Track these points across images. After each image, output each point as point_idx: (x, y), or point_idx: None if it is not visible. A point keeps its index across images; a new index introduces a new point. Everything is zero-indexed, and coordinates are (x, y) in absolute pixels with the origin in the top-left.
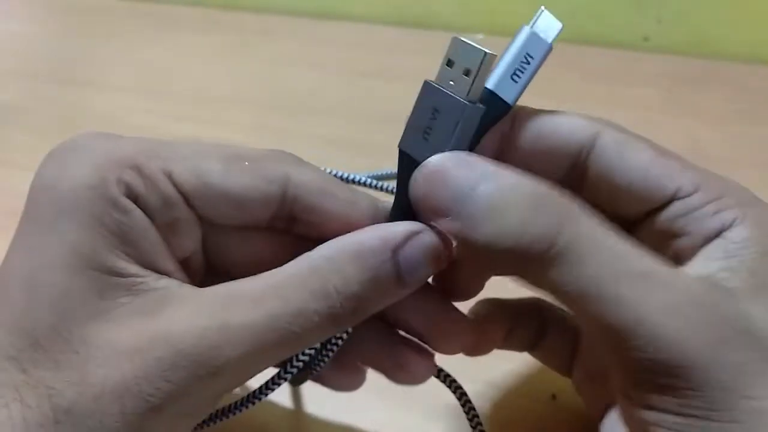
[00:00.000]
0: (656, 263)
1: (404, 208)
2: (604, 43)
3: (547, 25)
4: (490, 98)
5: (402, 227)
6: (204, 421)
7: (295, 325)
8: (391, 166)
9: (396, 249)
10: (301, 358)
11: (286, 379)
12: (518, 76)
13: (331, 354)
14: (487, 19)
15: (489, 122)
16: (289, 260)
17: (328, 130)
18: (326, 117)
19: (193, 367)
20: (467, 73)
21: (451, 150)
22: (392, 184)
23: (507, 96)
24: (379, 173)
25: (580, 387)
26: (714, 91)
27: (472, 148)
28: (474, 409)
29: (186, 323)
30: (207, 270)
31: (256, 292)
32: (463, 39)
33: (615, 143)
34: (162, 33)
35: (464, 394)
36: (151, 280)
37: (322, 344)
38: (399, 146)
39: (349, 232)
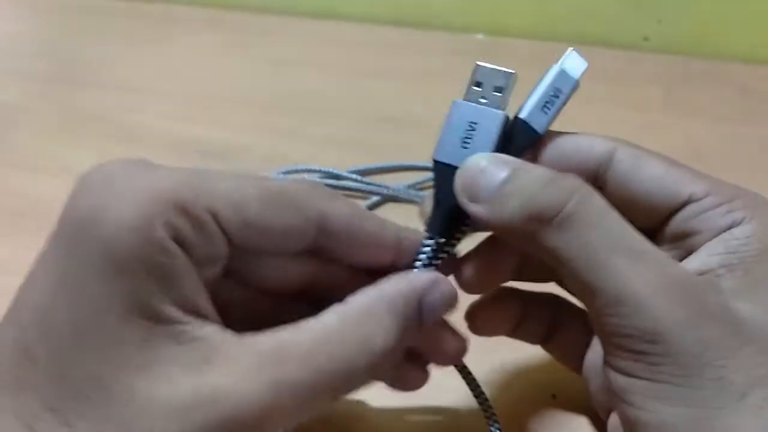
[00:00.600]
0: (654, 249)
1: (443, 217)
2: (604, 43)
3: (574, 63)
4: (523, 127)
5: (426, 277)
6: None
7: (339, 380)
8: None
9: (419, 299)
10: None
11: None
12: (548, 108)
13: None
14: (487, 19)
15: (520, 149)
16: (315, 281)
17: (328, 130)
18: (326, 117)
19: (240, 424)
20: (499, 90)
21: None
22: (378, 182)
23: (538, 125)
24: (363, 168)
25: (590, 383)
26: (714, 91)
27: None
28: (487, 399)
29: (233, 383)
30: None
31: (303, 349)
32: (487, 65)
33: (631, 157)
34: (162, 33)
35: (474, 380)
36: (195, 327)
37: None
38: (434, 158)
39: (375, 260)
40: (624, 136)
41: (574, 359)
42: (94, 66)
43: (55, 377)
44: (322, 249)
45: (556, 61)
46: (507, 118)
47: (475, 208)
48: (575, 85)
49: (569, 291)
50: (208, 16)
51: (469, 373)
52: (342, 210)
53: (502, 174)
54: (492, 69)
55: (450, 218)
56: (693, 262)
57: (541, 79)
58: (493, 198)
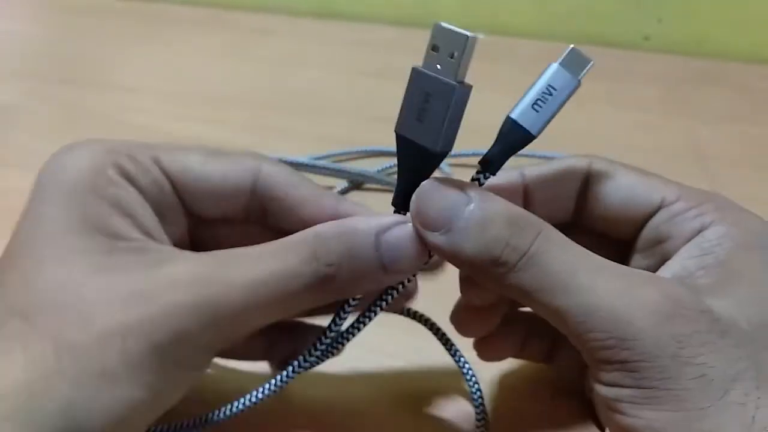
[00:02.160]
0: (611, 263)
1: (405, 190)
2: (604, 43)
3: (575, 61)
4: (513, 126)
5: (390, 218)
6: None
7: (287, 284)
8: (391, 165)
9: (379, 233)
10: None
11: (311, 363)
12: (539, 105)
13: (349, 338)
14: (488, 19)
15: (511, 150)
16: None
17: (328, 130)
18: (326, 117)
19: (196, 311)
20: (452, 56)
21: (445, 128)
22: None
23: (529, 125)
24: (320, 155)
25: (593, 398)
26: (714, 91)
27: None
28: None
29: (189, 273)
30: None
31: (255, 253)
32: (444, 25)
33: (605, 168)
34: (162, 33)
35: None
36: (153, 243)
37: (339, 333)
38: (396, 131)
39: (318, 219)
40: (624, 136)
41: (578, 375)
42: (94, 66)
43: (19, 287)
44: (266, 214)
45: (556, 60)
46: (462, 88)
47: (432, 239)
48: (576, 85)
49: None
50: (208, 16)
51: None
52: (278, 168)
53: (459, 203)
54: (448, 30)
55: (413, 190)
56: (671, 268)
57: (538, 77)
58: (449, 230)
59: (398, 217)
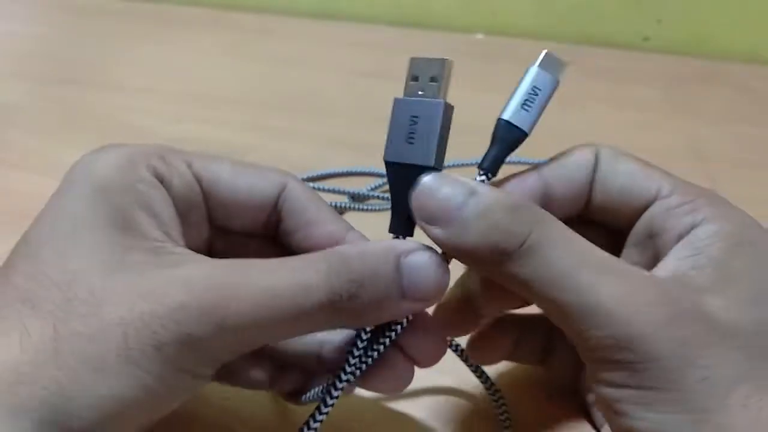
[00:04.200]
0: (614, 260)
1: (401, 216)
2: (604, 43)
3: (551, 62)
4: (507, 127)
5: (411, 243)
6: None
7: (301, 298)
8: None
9: (399, 256)
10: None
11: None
12: (528, 106)
13: (357, 373)
14: (487, 19)
15: (507, 149)
16: None
17: (328, 130)
18: (326, 117)
19: (204, 316)
20: (434, 79)
21: (437, 144)
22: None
23: (522, 124)
24: (315, 174)
25: (588, 399)
26: (714, 91)
27: (494, 167)
28: (498, 389)
29: (201, 275)
30: None
31: (270, 264)
32: (420, 57)
33: (610, 156)
34: (162, 33)
35: (484, 373)
36: (171, 245)
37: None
38: (385, 159)
39: (326, 243)
40: (624, 135)
41: (572, 377)
42: (94, 66)
43: (32, 275)
44: (280, 226)
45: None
46: (447, 105)
47: (434, 232)
48: (555, 84)
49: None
50: (208, 16)
51: (483, 373)
52: (302, 187)
53: (459, 197)
54: (425, 60)
55: (409, 217)
56: (665, 268)
57: (519, 81)
58: (450, 223)
59: (417, 243)
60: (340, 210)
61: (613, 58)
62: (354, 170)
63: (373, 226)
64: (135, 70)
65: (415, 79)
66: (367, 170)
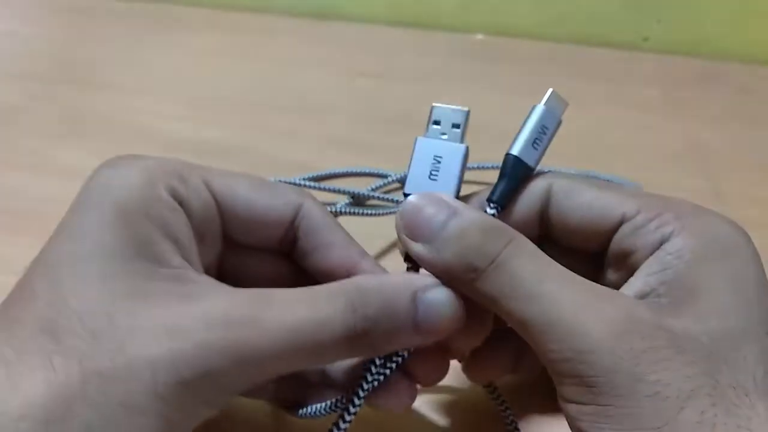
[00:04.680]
0: (578, 277)
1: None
2: (604, 43)
3: (556, 102)
4: (516, 163)
5: (427, 279)
6: None
7: (320, 333)
8: (391, 165)
9: (416, 292)
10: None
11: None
12: (538, 144)
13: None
14: (487, 19)
15: (514, 184)
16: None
17: (328, 130)
18: (326, 117)
19: (226, 352)
20: (456, 126)
21: (457, 183)
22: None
23: (530, 161)
24: (316, 174)
25: None
26: (714, 91)
27: (503, 200)
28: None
29: (223, 312)
30: None
31: (291, 297)
32: (441, 105)
33: (564, 188)
34: (162, 33)
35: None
36: (192, 273)
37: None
38: (405, 192)
39: (339, 266)
40: (624, 136)
41: None
42: (94, 66)
43: (53, 304)
44: (292, 246)
45: (556, 61)
46: (467, 149)
47: (414, 248)
48: (558, 123)
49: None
50: (208, 16)
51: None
52: (318, 208)
53: (441, 216)
54: (449, 108)
55: None
56: (634, 285)
57: (527, 118)
58: (432, 240)
59: (434, 279)
60: (339, 213)
61: (613, 58)
62: (354, 171)
63: (373, 230)
64: (135, 70)
65: (437, 123)
66: (367, 170)
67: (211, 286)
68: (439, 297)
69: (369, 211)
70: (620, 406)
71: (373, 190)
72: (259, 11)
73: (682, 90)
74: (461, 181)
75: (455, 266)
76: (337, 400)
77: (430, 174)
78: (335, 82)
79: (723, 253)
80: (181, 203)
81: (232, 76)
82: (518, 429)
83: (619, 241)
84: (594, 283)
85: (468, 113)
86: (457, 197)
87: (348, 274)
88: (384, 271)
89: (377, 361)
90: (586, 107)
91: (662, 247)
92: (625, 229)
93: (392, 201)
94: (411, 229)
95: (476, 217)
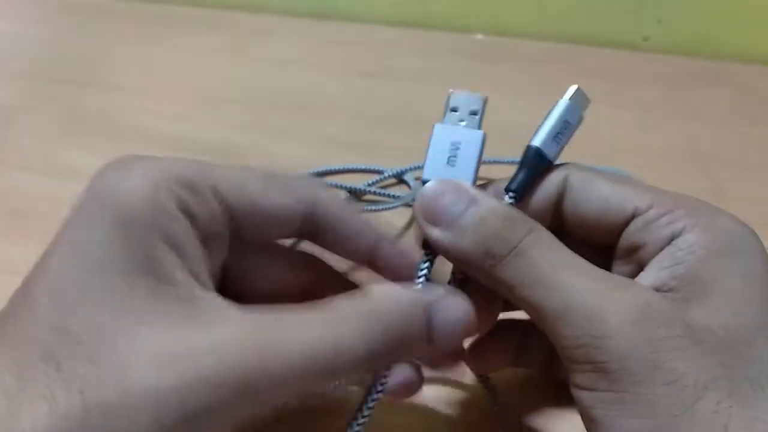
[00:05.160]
0: (595, 267)
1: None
2: (604, 43)
3: (580, 98)
4: (537, 154)
5: (438, 290)
6: None
7: (333, 357)
8: (391, 165)
9: (429, 306)
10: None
11: None
12: (560, 138)
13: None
14: (487, 19)
15: (533, 176)
16: (302, 292)
17: (328, 130)
18: (326, 117)
19: (235, 381)
20: (474, 113)
21: (475, 170)
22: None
23: (550, 154)
24: (313, 171)
25: None
26: (714, 91)
27: (521, 190)
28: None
29: (232, 341)
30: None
31: (303, 320)
32: (459, 91)
33: (581, 180)
34: (162, 33)
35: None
36: (197, 291)
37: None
38: (424, 178)
39: (353, 257)
40: (624, 136)
41: None
42: (94, 66)
43: (53, 326)
44: (312, 235)
45: (556, 61)
46: (485, 136)
47: (433, 234)
48: (580, 119)
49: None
50: (208, 16)
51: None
52: (331, 198)
53: (461, 203)
54: (466, 95)
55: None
56: (645, 279)
57: (550, 111)
58: (451, 226)
59: (446, 287)
60: None
61: (613, 58)
62: (350, 167)
63: None
64: (135, 70)
65: (455, 110)
66: (363, 167)
67: (218, 308)
68: (451, 308)
69: (366, 207)
70: (636, 393)
71: (369, 185)
72: (259, 11)
73: (682, 90)
74: (478, 168)
75: (474, 253)
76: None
77: (448, 160)
78: (335, 82)
79: (734, 250)
80: (186, 212)
81: (232, 76)
82: (507, 415)
83: (629, 234)
84: (611, 273)
85: (486, 100)
86: (474, 184)
87: (369, 259)
88: (403, 251)
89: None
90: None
91: (673, 242)
92: (636, 223)
93: (390, 196)
94: (430, 214)
95: (496, 205)
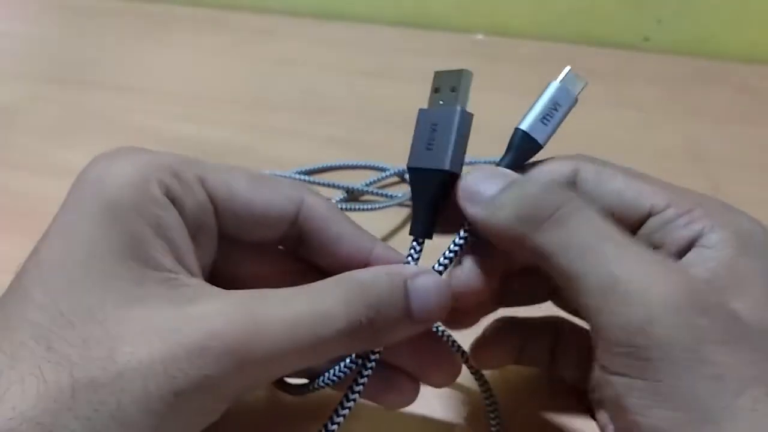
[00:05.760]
0: (639, 243)
1: (423, 219)
2: (604, 43)
3: (573, 81)
4: (524, 138)
5: (415, 268)
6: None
7: (320, 328)
8: (390, 165)
9: (405, 280)
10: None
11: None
12: (547, 120)
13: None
14: (487, 19)
15: (521, 159)
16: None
17: (328, 130)
18: (326, 117)
19: (221, 353)
20: (453, 89)
21: (453, 149)
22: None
23: (538, 136)
24: (311, 168)
25: (593, 400)
26: (714, 91)
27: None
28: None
29: (219, 312)
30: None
31: (288, 294)
32: (442, 70)
33: (593, 174)
34: (162, 33)
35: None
36: (184, 276)
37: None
38: (408, 166)
39: (353, 257)
40: (624, 136)
41: (578, 379)
42: (95, 66)
43: (45, 310)
44: (301, 243)
45: (556, 61)
46: (464, 112)
47: (471, 209)
48: (574, 102)
49: (562, 304)
50: (208, 16)
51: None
52: (321, 202)
53: (501, 183)
54: (446, 72)
55: (430, 218)
56: None
57: (540, 94)
58: (492, 200)
59: (421, 267)
60: None
61: (613, 58)
62: (351, 164)
63: (368, 225)
64: (135, 70)
65: (437, 90)
66: (363, 164)
67: (205, 290)
68: (427, 282)
69: (364, 206)
70: (674, 384)
71: (368, 185)
72: (259, 11)
73: (682, 90)
74: (458, 146)
75: (513, 219)
76: (350, 360)
77: (428, 144)
78: (335, 82)
79: (757, 250)
80: (174, 201)
81: (232, 76)
82: (498, 413)
83: (646, 234)
84: (655, 252)
85: (464, 73)
86: (457, 164)
87: (363, 265)
88: (398, 254)
89: (372, 356)
90: (586, 107)
91: (699, 241)
92: (653, 222)
93: (387, 196)
94: (470, 194)
95: (543, 177)
